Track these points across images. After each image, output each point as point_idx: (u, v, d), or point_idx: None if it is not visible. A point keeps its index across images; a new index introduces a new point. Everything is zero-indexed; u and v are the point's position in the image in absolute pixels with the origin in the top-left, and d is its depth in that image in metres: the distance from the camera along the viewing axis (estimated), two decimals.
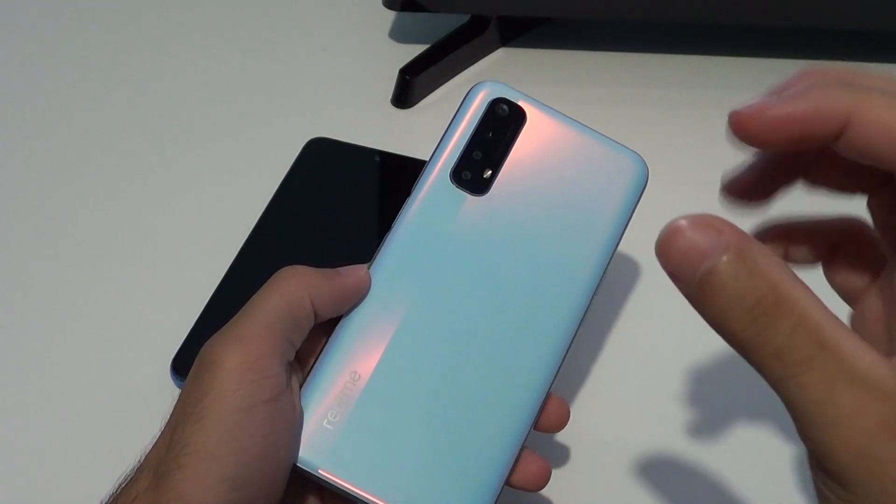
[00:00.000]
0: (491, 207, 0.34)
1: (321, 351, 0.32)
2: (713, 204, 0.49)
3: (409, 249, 0.33)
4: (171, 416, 0.30)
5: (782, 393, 0.21)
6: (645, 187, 0.36)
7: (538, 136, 0.35)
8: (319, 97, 0.56)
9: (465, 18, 0.57)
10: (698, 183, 0.51)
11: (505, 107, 0.35)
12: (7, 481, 0.38)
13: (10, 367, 0.42)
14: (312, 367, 0.32)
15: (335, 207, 0.48)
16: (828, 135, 0.23)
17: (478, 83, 0.36)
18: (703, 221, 0.22)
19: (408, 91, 0.55)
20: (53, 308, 0.45)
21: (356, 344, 0.32)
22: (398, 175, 0.50)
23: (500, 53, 0.58)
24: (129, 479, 0.29)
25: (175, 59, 0.58)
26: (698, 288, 0.22)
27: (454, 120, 0.35)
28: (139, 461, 0.30)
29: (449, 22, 0.57)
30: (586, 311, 0.34)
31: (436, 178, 0.34)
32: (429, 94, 0.56)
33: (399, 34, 0.60)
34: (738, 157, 0.56)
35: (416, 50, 0.56)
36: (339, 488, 0.31)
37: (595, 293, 0.34)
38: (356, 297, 0.33)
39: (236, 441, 0.28)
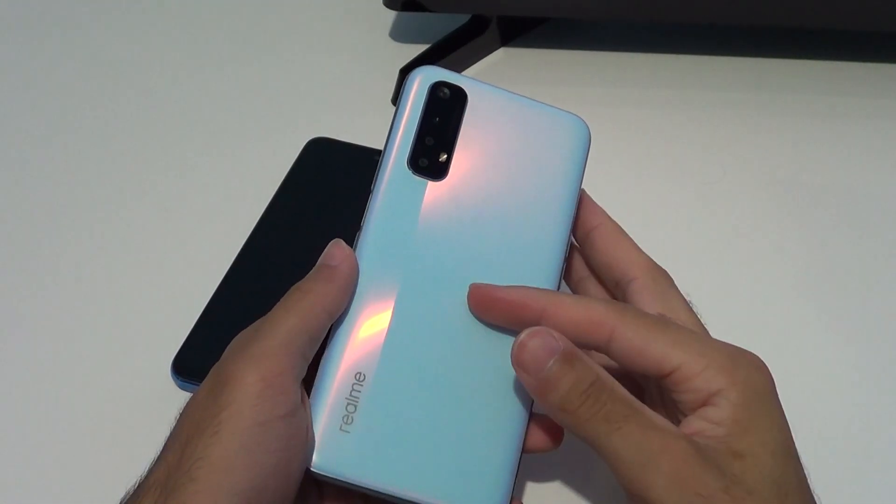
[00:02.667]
0: (453, 189, 0.35)
1: (320, 357, 0.33)
2: (713, 203, 0.50)
3: (383, 243, 0.34)
4: (180, 429, 0.30)
5: (608, 447, 0.30)
6: (589, 145, 0.37)
7: (482, 112, 0.36)
8: (319, 97, 0.56)
9: (465, 18, 0.57)
10: (699, 182, 0.51)
11: (446, 90, 0.36)
12: (7, 481, 0.38)
13: (11, 367, 0.42)
14: (315, 375, 0.32)
15: (335, 207, 0.47)
16: (530, 321, 0.32)
17: (412, 71, 0.36)
18: (540, 333, 0.31)
19: None
20: (53, 308, 0.45)
21: (354, 346, 0.32)
22: None
23: (500, 53, 0.58)
24: (131, 495, 0.29)
25: (175, 59, 0.58)
26: (545, 382, 0.30)
27: (398, 110, 0.36)
28: (143, 477, 0.29)
29: (449, 22, 0.57)
30: (562, 272, 0.35)
31: (393, 170, 0.35)
32: None
33: (399, 34, 0.60)
34: (738, 158, 0.56)
35: (416, 50, 0.56)
36: (362, 488, 0.31)
37: (567, 253, 0.35)
38: (355, 278, 0.33)
39: (251, 456, 0.28)
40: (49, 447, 0.39)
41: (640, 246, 0.36)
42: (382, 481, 0.31)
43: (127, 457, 0.31)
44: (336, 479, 0.31)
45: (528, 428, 0.33)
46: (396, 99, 0.35)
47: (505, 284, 0.33)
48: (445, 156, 0.35)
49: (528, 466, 0.38)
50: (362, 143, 0.50)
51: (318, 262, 0.33)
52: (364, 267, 0.33)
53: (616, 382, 0.31)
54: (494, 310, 0.33)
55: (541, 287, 0.33)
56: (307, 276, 0.33)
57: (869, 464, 0.32)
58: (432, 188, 0.35)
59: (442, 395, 0.32)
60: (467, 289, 0.33)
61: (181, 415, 0.31)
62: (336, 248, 0.34)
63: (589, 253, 0.37)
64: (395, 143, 0.35)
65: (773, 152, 0.53)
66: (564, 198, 0.36)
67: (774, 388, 0.31)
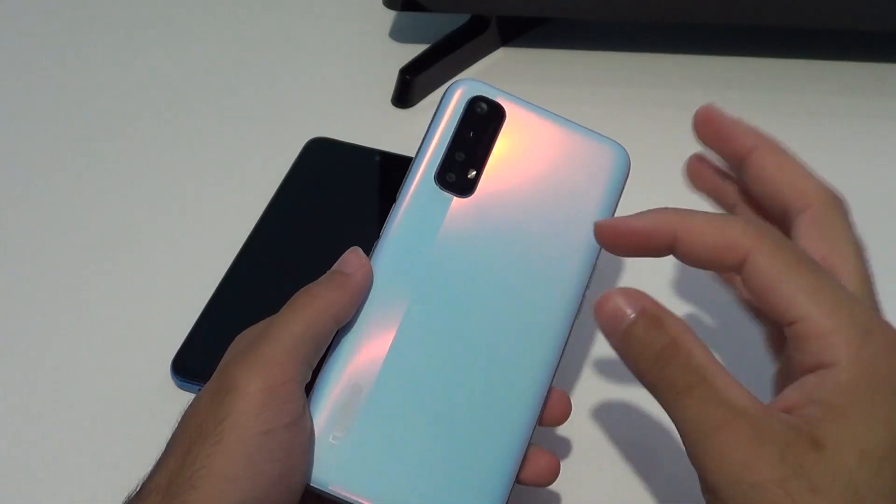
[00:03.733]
0: (478, 208, 0.34)
1: (321, 366, 0.32)
2: (713, 202, 0.50)
3: (400, 256, 0.33)
4: (183, 434, 0.29)
5: (673, 416, 0.28)
6: (628, 175, 0.36)
7: (519, 132, 0.35)
8: (319, 97, 0.56)
9: (465, 18, 0.57)
10: None
11: (484, 105, 0.35)
12: (7, 482, 0.38)
13: (11, 366, 0.42)
14: (314, 383, 0.32)
15: (335, 207, 0.47)
16: (662, 247, 0.30)
17: (454, 82, 0.35)
18: (628, 292, 0.29)
19: (408, 91, 0.55)
20: (53, 308, 0.45)
21: (355, 357, 0.32)
22: (398, 175, 0.50)
23: (500, 53, 0.58)
24: (133, 498, 0.29)
25: (175, 59, 0.58)
26: (622, 339, 0.29)
27: (433, 121, 0.35)
28: (144, 480, 0.29)
29: (449, 22, 0.57)
30: (581, 303, 0.34)
31: (420, 183, 0.34)
32: (429, 94, 0.56)
33: (399, 34, 0.60)
34: None
35: (416, 50, 0.56)
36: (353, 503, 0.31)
37: (588, 285, 0.34)
38: (368, 289, 0.33)
39: (254, 465, 0.28)
40: (49, 447, 0.39)
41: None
42: (370, 496, 0.31)
43: (126, 456, 0.31)
44: (322, 492, 0.31)
45: (525, 458, 0.32)
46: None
47: (518, 312, 0.33)
48: (475, 172, 0.34)
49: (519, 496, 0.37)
50: (362, 143, 0.50)
51: (332, 268, 0.33)
52: (376, 277, 0.33)
53: (696, 347, 0.28)
54: (623, 244, 0.31)
55: (559, 313, 0.33)
56: (319, 279, 0.32)
57: None
58: (457, 204, 0.34)
59: (439, 414, 0.32)
60: (477, 310, 0.33)
61: (183, 418, 0.30)
62: (353, 256, 0.33)
63: (748, 182, 0.33)
64: (426, 155, 0.34)
65: None
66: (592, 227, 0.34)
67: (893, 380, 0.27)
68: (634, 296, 0.29)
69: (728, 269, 0.29)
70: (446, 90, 0.35)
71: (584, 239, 0.34)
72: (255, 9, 0.62)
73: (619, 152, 0.36)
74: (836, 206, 0.32)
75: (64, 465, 0.39)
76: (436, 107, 0.35)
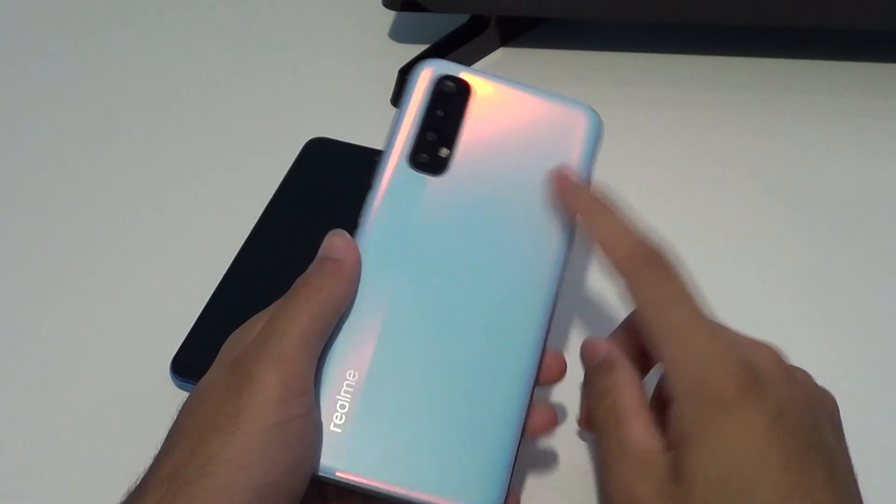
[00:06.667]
0: (453, 185, 0.34)
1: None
2: (713, 201, 0.50)
3: (381, 239, 0.33)
4: (188, 427, 0.29)
5: (597, 445, 0.33)
6: (600, 137, 0.36)
7: (488, 106, 0.35)
8: (319, 97, 0.56)
9: (465, 18, 0.57)
10: (699, 182, 0.51)
11: (450, 83, 0.35)
12: (7, 481, 0.38)
13: (10, 366, 0.42)
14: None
15: (335, 207, 0.47)
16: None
17: (418, 63, 0.36)
18: (595, 343, 0.35)
19: None
20: (53, 308, 0.44)
21: (348, 343, 0.32)
22: None
23: (500, 53, 0.58)
24: (133, 492, 0.29)
25: (175, 59, 0.58)
26: (594, 371, 0.34)
27: (402, 104, 0.35)
28: (145, 474, 0.29)
29: (449, 22, 0.57)
30: (565, 264, 0.34)
31: (394, 166, 0.34)
32: None
33: (399, 34, 0.60)
34: (737, 158, 0.56)
35: (415, 50, 0.56)
36: (359, 487, 0.31)
37: (571, 247, 0.35)
38: (360, 272, 0.33)
39: (268, 454, 0.28)
40: (48, 446, 0.39)
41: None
42: (374, 479, 0.31)
43: (126, 456, 0.31)
44: (329, 479, 0.31)
45: (525, 419, 0.33)
46: (399, 96, 0.35)
47: (505, 279, 0.34)
48: (447, 151, 0.35)
49: (525, 462, 0.38)
50: (361, 143, 0.50)
51: (320, 254, 0.33)
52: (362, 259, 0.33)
53: (627, 391, 0.33)
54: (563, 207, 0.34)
55: (544, 280, 0.34)
56: (312, 269, 0.33)
57: (865, 463, 0.32)
58: (432, 184, 0.34)
59: (436, 391, 0.32)
60: (464, 283, 0.33)
61: (184, 413, 0.30)
62: (340, 240, 0.33)
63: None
64: (397, 138, 0.35)
65: (773, 152, 0.53)
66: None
67: (775, 404, 0.28)
68: (602, 344, 0.34)
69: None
70: (411, 72, 0.36)
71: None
72: (254, 9, 0.62)
73: (590, 115, 0.36)
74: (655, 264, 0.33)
75: (63, 465, 0.39)
76: (403, 91, 0.36)
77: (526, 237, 0.34)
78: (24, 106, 0.55)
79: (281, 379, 0.29)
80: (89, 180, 0.51)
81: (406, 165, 0.34)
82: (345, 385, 0.32)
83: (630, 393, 0.33)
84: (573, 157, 0.35)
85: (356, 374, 0.32)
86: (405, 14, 0.59)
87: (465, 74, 0.36)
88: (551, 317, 0.34)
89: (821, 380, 0.34)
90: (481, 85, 0.36)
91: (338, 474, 0.31)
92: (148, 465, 0.30)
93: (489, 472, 0.32)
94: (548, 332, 0.34)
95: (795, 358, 0.33)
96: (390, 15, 0.60)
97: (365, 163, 0.50)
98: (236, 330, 0.33)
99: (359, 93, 0.56)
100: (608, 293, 0.44)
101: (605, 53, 0.58)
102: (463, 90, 0.35)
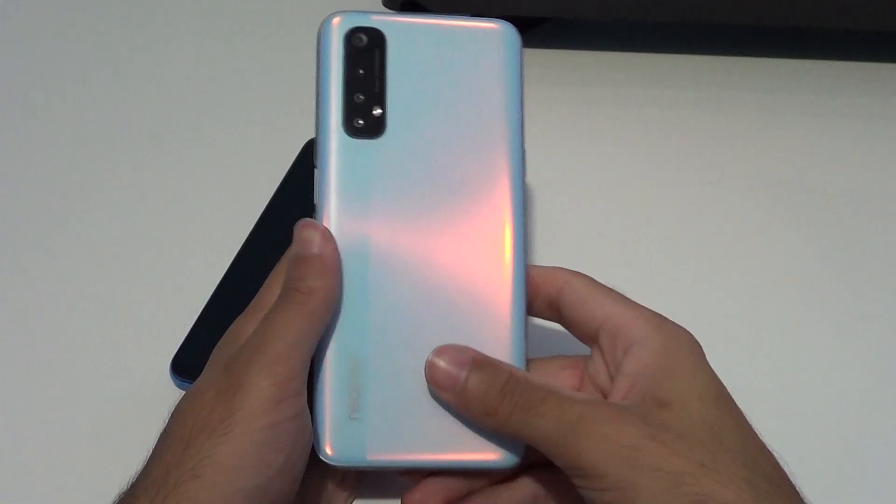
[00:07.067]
0: (396, 139, 0.33)
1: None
2: (712, 201, 0.50)
3: (341, 217, 0.33)
4: (181, 430, 0.29)
5: (535, 432, 0.30)
6: (521, 48, 0.35)
7: (405, 48, 0.34)
8: None
9: None
10: (699, 182, 0.51)
11: (362, 35, 0.33)
12: (6, 482, 0.38)
13: (10, 367, 0.42)
14: (312, 367, 0.32)
15: None
16: (552, 294, 0.35)
17: (323, 20, 0.34)
18: (449, 351, 0.32)
19: None
20: (53, 308, 0.44)
21: (342, 331, 0.32)
22: None
23: None
24: (124, 495, 0.29)
25: (174, 59, 0.58)
26: (462, 393, 0.31)
27: (320, 69, 0.33)
28: (135, 477, 0.29)
29: None
30: (524, 178, 0.34)
31: (332, 138, 0.33)
32: None
33: None
34: (737, 158, 0.56)
35: None
36: (393, 468, 0.32)
37: (524, 158, 0.34)
38: (340, 260, 0.33)
39: (260, 455, 0.29)
40: (48, 446, 0.39)
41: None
42: (404, 456, 0.32)
43: (125, 456, 0.31)
44: (356, 467, 0.32)
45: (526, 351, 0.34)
46: (316, 55, 0.33)
47: (471, 229, 0.33)
48: (379, 109, 0.33)
49: None
50: None
51: (297, 250, 0.32)
52: None
53: (530, 374, 0.32)
54: None
55: (510, 196, 0.33)
56: (294, 269, 0.32)
57: (866, 463, 0.32)
58: (375, 146, 0.33)
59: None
60: (434, 234, 0.33)
61: (176, 415, 0.30)
62: (312, 230, 0.32)
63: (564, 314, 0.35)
64: (327, 108, 0.33)
65: (773, 152, 0.53)
66: (509, 109, 0.34)
67: (700, 347, 0.32)
68: (455, 350, 0.32)
69: (549, 297, 0.34)
70: (319, 31, 0.34)
71: (505, 121, 0.34)
72: (254, 9, 0.62)
73: (505, 31, 0.35)
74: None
75: (63, 465, 0.39)
76: (316, 53, 0.34)
77: (479, 167, 0.34)
78: (23, 106, 0.55)
79: (274, 381, 0.29)
80: (89, 180, 0.51)
81: (344, 134, 0.33)
82: (349, 373, 0.32)
83: (535, 375, 0.33)
84: (499, 76, 0.34)
85: (358, 360, 0.32)
86: None
87: (372, 23, 0.34)
88: (524, 234, 0.34)
89: (822, 379, 0.34)
90: (393, 28, 0.34)
91: (371, 459, 0.31)
92: (139, 468, 0.30)
93: None
94: (525, 260, 0.34)
95: (796, 357, 0.33)
96: None
97: None
98: (225, 333, 0.33)
99: None
100: None
101: (605, 53, 0.58)
102: (376, 39, 0.34)
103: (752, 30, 0.59)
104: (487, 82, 0.34)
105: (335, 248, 0.32)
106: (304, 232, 0.33)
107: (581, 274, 0.34)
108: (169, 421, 0.31)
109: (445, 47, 0.34)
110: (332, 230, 0.33)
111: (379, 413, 0.32)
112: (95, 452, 0.39)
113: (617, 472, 0.29)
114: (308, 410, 0.31)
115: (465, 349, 0.32)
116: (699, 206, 0.50)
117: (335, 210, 0.33)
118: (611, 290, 0.34)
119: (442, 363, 0.32)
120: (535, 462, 0.33)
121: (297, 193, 0.48)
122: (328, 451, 0.32)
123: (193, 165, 0.51)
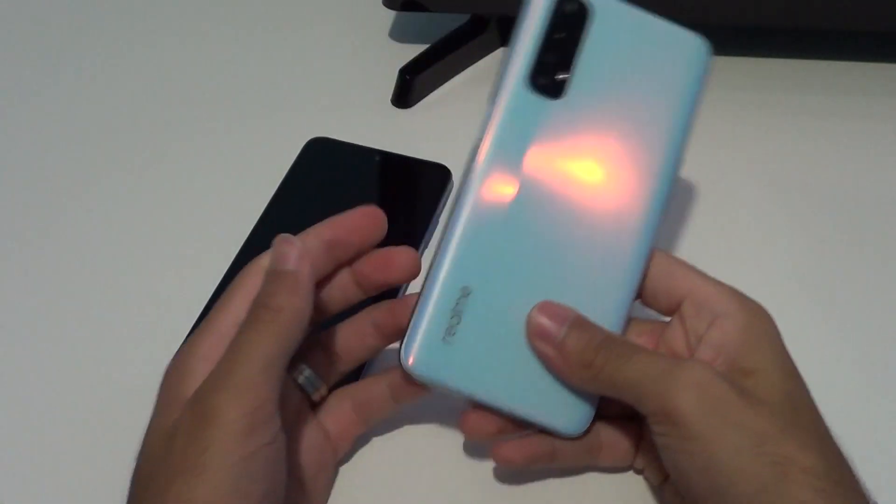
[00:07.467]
0: (570, 108, 0.35)
1: (431, 264, 0.33)
2: (712, 201, 0.50)
3: (500, 158, 0.34)
4: (156, 471, 0.29)
5: (630, 377, 0.31)
6: (710, 63, 0.37)
7: (606, 28, 0.35)
8: (319, 97, 0.56)
9: (465, 18, 0.57)
10: (699, 182, 0.51)
11: (572, 3, 0.35)
12: (5, 482, 0.38)
13: (9, 367, 0.42)
14: (424, 282, 0.33)
15: (335, 207, 0.47)
16: None
17: None
18: (547, 305, 0.33)
19: (408, 91, 0.55)
20: (52, 309, 0.44)
21: (463, 258, 0.33)
22: (398, 175, 0.50)
23: (500, 53, 0.58)
24: None
25: (174, 59, 0.58)
26: (562, 346, 0.33)
27: (521, 23, 0.35)
28: None
29: (449, 22, 0.57)
30: (673, 180, 0.36)
31: (513, 87, 0.34)
32: (429, 94, 0.56)
33: (399, 34, 0.60)
34: (737, 158, 0.56)
35: (416, 50, 0.56)
36: (464, 396, 0.33)
37: (678, 166, 0.36)
38: (313, 278, 0.32)
39: (238, 489, 0.28)
40: (48, 447, 0.39)
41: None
42: (478, 392, 0.33)
43: (125, 457, 0.31)
44: (433, 384, 0.33)
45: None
46: (521, 11, 0.35)
47: (613, 203, 0.35)
48: (566, 74, 0.35)
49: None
50: (362, 143, 0.50)
51: (271, 265, 0.32)
52: (478, 179, 0.34)
53: (625, 337, 0.34)
54: None
55: (652, 198, 0.35)
56: (268, 285, 0.31)
57: (866, 463, 0.32)
58: (550, 106, 0.35)
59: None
60: (577, 201, 0.34)
61: (148, 458, 0.29)
62: (289, 247, 0.32)
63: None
64: (517, 59, 0.35)
65: (773, 152, 0.53)
66: (680, 116, 0.36)
67: (777, 326, 0.34)
68: (557, 306, 0.33)
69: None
70: None
71: (672, 126, 0.36)
72: (254, 9, 0.62)
73: (701, 43, 0.37)
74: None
75: (63, 465, 0.39)
76: (521, 9, 0.35)
77: (638, 156, 0.35)
78: (25, 106, 0.55)
79: (244, 411, 0.28)
80: (88, 180, 0.51)
81: (525, 86, 0.35)
82: (457, 297, 0.33)
83: (617, 336, 0.34)
84: (682, 83, 0.36)
85: (470, 289, 0.33)
86: (405, 14, 0.59)
87: None
88: (652, 247, 0.36)
89: (823, 379, 0.34)
90: (601, 6, 0.35)
91: (440, 380, 0.33)
92: None
93: (579, 398, 0.34)
94: (648, 261, 0.35)
95: (798, 357, 0.33)
96: (390, 15, 0.60)
97: (365, 163, 0.50)
98: (176, 358, 0.32)
99: (359, 93, 0.56)
100: None
101: None
102: (582, 10, 0.35)
103: (752, 30, 0.59)
104: (671, 81, 0.36)
105: (310, 267, 0.32)
106: (280, 247, 0.32)
107: (660, 250, 0.35)
108: (139, 462, 0.30)
109: (644, 39, 0.36)
110: (487, 160, 0.34)
111: (471, 344, 0.33)
112: (96, 453, 0.39)
113: (705, 420, 0.30)
114: (283, 434, 0.30)
115: (568, 308, 0.33)
116: (699, 206, 0.50)
117: (493, 147, 0.34)
118: (691, 265, 0.35)
119: (542, 318, 0.33)
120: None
121: (297, 193, 0.48)
122: (410, 360, 0.33)
123: (194, 165, 0.52)
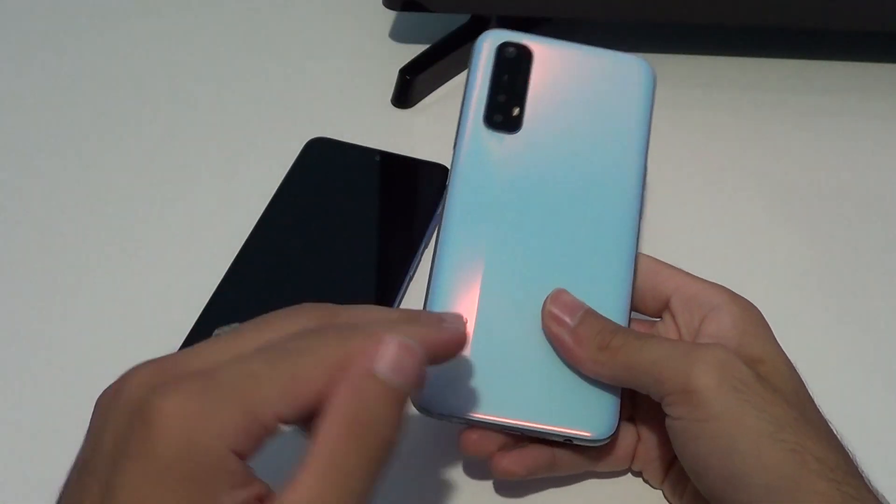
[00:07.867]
0: (528, 140, 0.37)
1: (424, 303, 0.34)
2: (712, 201, 0.50)
3: (469, 194, 0.36)
4: None
5: (648, 356, 0.31)
6: (654, 85, 0.39)
7: (549, 65, 0.38)
8: (319, 97, 0.56)
9: (465, 18, 0.57)
10: (699, 182, 0.51)
11: (511, 49, 0.38)
12: (6, 481, 0.38)
13: (9, 365, 0.42)
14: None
15: (335, 207, 0.47)
16: None
17: (480, 35, 0.38)
18: (560, 293, 0.34)
19: (408, 91, 0.55)
20: (53, 307, 0.44)
21: (454, 291, 0.34)
22: (398, 175, 0.50)
23: None
24: None
25: (174, 59, 0.58)
26: (577, 329, 0.33)
27: (470, 73, 0.38)
28: None
29: (449, 22, 0.57)
30: (642, 196, 0.37)
31: (472, 128, 0.37)
32: (429, 94, 0.56)
33: (399, 34, 0.60)
34: (737, 158, 0.56)
35: (416, 50, 0.56)
36: (481, 424, 0.33)
37: (644, 181, 0.38)
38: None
39: None
40: (48, 447, 0.39)
41: (643, 247, 0.37)
42: (494, 413, 0.33)
43: None
44: (447, 418, 0.33)
45: None
46: (469, 63, 0.38)
47: (589, 218, 0.36)
48: (518, 110, 0.37)
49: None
50: (362, 143, 0.50)
51: (394, 380, 0.25)
52: (455, 217, 0.36)
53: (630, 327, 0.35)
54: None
55: (624, 215, 0.36)
56: (385, 406, 0.25)
57: (866, 463, 0.32)
58: (509, 141, 0.37)
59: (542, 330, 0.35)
60: (551, 227, 0.36)
61: None
62: (413, 359, 0.26)
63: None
64: (471, 103, 0.37)
65: (773, 152, 0.53)
66: (635, 135, 0.38)
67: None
68: (569, 294, 0.34)
69: None
70: (474, 43, 0.38)
71: (629, 145, 0.38)
72: (255, 9, 0.62)
73: (642, 67, 0.39)
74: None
75: (63, 465, 0.39)
76: (469, 61, 0.38)
77: (601, 181, 0.37)
78: (26, 105, 0.55)
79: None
80: (88, 180, 0.51)
81: (483, 126, 0.37)
82: None
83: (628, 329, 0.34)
84: (630, 106, 0.38)
85: (466, 320, 0.33)
86: (405, 14, 0.59)
87: (523, 39, 0.38)
88: (636, 253, 0.37)
89: (824, 379, 0.34)
90: (539, 48, 0.38)
91: (453, 411, 0.33)
92: None
93: (602, 400, 0.34)
94: (636, 268, 0.36)
95: (797, 356, 0.33)
96: (390, 15, 0.60)
97: (365, 163, 0.50)
98: (175, 410, 0.25)
99: (359, 93, 0.56)
100: None
101: None
102: (524, 54, 0.38)
103: (752, 30, 0.59)
104: (617, 108, 0.38)
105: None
106: (406, 356, 0.26)
107: (643, 253, 0.37)
108: None
109: (585, 70, 0.39)
110: (457, 203, 0.36)
111: (481, 373, 0.33)
112: None
113: (725, 401, 0.29)
114: None
115: (580, 300, 0.34)
116: (699, 207, 0.50)
117: (464, 186, 0.36)
118: (675, 266, 0.36)
119: (555, 306, 0.34)
120: None
121: (297, 193, 0.48)
122: (418, 399, 0.33)
123: (194, 165, 0.51)
